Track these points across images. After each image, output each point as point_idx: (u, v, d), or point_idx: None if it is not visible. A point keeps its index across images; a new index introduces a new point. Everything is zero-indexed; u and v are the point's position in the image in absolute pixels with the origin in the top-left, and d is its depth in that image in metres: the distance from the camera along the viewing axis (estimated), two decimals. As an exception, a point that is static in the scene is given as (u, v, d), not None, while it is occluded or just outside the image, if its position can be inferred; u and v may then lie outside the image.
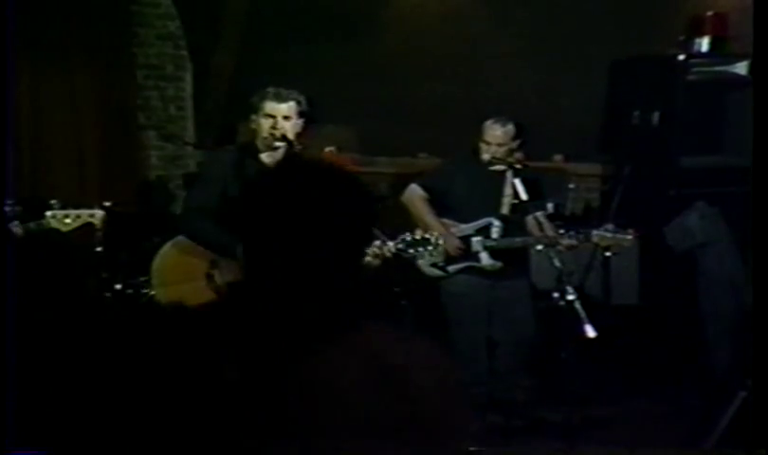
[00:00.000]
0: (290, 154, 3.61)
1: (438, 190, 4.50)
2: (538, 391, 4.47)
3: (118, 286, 4.51)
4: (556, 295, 3.71)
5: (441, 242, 3.74)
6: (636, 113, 5.40)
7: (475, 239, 4.39)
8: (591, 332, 3.47)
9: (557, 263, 3.77)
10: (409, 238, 3.63)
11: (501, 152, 4.33)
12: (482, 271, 4.40)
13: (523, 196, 4.01)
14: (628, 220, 4.30)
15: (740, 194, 3.78)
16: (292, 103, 3.65)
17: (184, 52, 6.65)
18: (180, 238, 3.66)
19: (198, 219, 3.60)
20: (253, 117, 3.69)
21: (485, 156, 4.38)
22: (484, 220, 4.41)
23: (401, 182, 4.96)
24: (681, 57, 5.29)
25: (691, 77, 5.25)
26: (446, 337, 4.36)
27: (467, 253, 4.38)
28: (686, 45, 5.43)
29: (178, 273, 3.58)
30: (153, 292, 3.64)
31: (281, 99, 3.64)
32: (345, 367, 1.33)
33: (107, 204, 4.66)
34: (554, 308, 3.71)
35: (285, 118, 3.63)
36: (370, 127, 6.25)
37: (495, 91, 5.98)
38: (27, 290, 3.07)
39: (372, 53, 6.44)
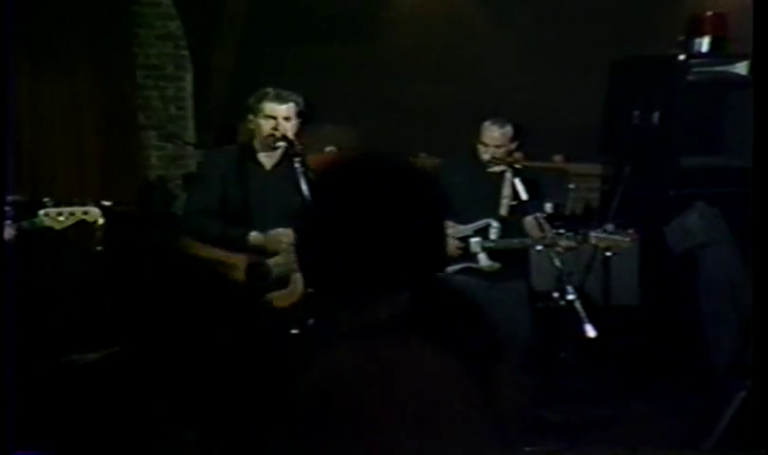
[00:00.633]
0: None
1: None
2: (537, 390, 4.47)
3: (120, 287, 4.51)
4: (556, 295, 3.71)
5: None
6: (636, 113, 5.40)
7: (473, 240, 4.39)
8: (591, 331, 3.47)
9: (557, 263, 3.77)
10: None
11: (499, 153, 4.34)
12: (480, 272, 4.40)
13: (524, 196, 4.01)
14: (628, 220, 4.30)
15: (740, 194, 3.77)
16: (292, 104, 3.68)
17: (184, 52, 6.65)
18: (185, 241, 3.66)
19: (202, 219, 3.61)
20: (251, 117, 3.71)
21: (484, 157, 4.39)
22: (482, 221, 4.40)
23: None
24: (681, 57, 5.29)
25: (691, 77, 5.25)
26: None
27: (466, 254, 4.38)
28: (686, 45, 5.43)
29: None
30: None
31: (282, 100, 3.66)
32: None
33: (107, 203, 4.68)
34: (554, 308, 3.71)
35: (286, 118, 3.65)
36: (370, 127, 6.25)
37: (495, 91, 5.97)
38: (25, 289, 3.07)
39: (372, 53, 6.44)
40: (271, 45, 6.36)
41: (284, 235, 3.59)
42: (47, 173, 5.56)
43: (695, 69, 5.27)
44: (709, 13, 5.45)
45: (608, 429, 4.28)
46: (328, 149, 6.37)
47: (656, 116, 5.29)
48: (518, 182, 4.04)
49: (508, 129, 4.39)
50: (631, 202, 4.94)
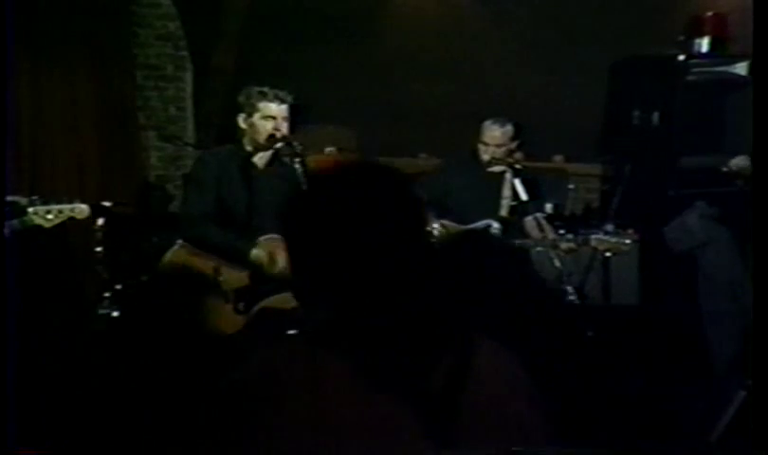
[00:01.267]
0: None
1: (437, 191, 4.50)
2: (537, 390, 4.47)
3: (119, 287, 4.51)
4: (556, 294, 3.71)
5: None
6: (636, 113, 5.41)
7: (474, 240, 4.39)
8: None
9: (557, 263, 3.77)
10: None
11: (499, 152, 4.34)
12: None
13: (524, 197, 4.01)
14: (628, 220, 4.30)
15: (740, 194, 3.78)
16: (288, 105, 3.67)
17: (184, 52, 6.65)
18: (181, 244, 3.64)
19: (205, 225, 3.59)
20: (244, 116, 3.66)
21: (485, 157, 4.38)
22: (482, 222, 4.40)
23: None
24: (681, 57, 5.29)
25: (691, 77, 5.25)
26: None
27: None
28: (686, 46, 5.43)
29: (185, 278, 3.58)
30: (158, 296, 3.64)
31: (280, 100, 3.65)
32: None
33: (107, 204, 4.68)
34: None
35: (285, 119, 3.65)
36: (370, 127, 6.25)
37: (495, 91, 5.98)
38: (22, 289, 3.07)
39: (371, 53, 6.44)
40: (271, 45, 6.36)
41: (279, 242, 3.61)
42: (47, 173, 5.56)
43: (695, 69, 5.28)
44: (709, 13, 5.46)
45: (607, 429, 4.28)
46: (328, 149, 6.37)
47: (656, 116, 5.30)
48: (518, 182, 4.04)
49: (509, 128, 4.39)
50: (631, 202, 4.94)
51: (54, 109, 5.69)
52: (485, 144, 4.38)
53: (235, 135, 3.78)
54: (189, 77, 6.72)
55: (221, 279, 3.57)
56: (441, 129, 6.03)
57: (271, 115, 3.63)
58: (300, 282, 1.40)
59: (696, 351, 4.86)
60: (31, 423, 2.90)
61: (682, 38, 5.47)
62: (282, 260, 3.64)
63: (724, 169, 4.71)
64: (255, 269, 3.58)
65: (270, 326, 3.65)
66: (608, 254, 4.26)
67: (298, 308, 3.65)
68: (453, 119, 5.76)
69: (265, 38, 6.42)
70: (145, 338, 4.20)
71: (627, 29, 5.78)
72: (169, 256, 3.63)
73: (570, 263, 4.01)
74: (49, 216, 3.44)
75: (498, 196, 4.42)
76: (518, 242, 4.31)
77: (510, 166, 4.21)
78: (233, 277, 3.58)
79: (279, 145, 3.64)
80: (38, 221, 3.42)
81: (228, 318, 3.56)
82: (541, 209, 4.51)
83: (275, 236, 3.66)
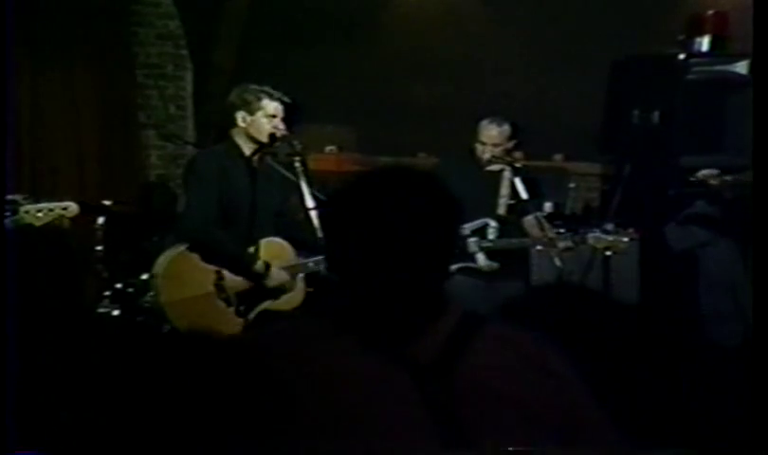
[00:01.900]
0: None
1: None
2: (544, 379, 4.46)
3: (119, 285, 4.51)
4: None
5: None
6: (636, 113, 5.40)
7: (471, 240, 4.36)
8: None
9: (557, 262, 3.77)
10: None
11: (497, 152, 4.33)
12: (478, 272, 4.38)
13: (524, 195, 4.01)
14: (628, 220, 4.30)
15: (740, 194, 3.78)
16: (284, 105, 3.68)
17: (184, 52, 6.65)
18: (183, 247, 3.63)
19: (210, 231, 3.58)
20: (243, 114, 3.65)
21: (486, 156, 4.38)
22: (480, 221, 4.38)
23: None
24: (681, 57, 5.29)
25: (691, 77, 5.25)
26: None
27: (464, 254, 4.37)
28: (686, 45, 5.43)
29: (185, 282, 3.57)
30: (156, 299, 3.62)
31: (280, 99, 3.65)
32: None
33: (107, 203, 4.69)
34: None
35: (282, 118, 3.65)
36: (370, 127, 6.25)
37: (495, 91, 5.98)
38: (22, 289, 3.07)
39: (371, 53, 6.44)
40: (271, 45, 6.36)
41: (281, 247, 3.64)
42: (47, 173, 5.56)
43: (695, 69, 5.28)
44: (709, 12, 5.45)
45: (607, 429, 4.27)
46: (328, 149, 6.38)
47: (656, 115, 5.29)
48: (518, 181, 4.04)
49: (506, 128, 4.38)
50: (631, 202, 4.94)
51: (54, 108, 5.69)
52: (483, 143, 4.37)
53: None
54: (189, 76, 6.72)
55: (223, 282, 3.57)
56: (441, 129, 6.03)
57: (273, 113, 3.63)
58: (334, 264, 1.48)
59: (696, 351, 4.86)
60: (31, 423, 2.91)
61: (682, 37, 5.47)
62: (283, 268, 3.67)
63: (692, 178, 4.78)
64: (257, 279, 3.60)
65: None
66: (608, 253, 4.26)
67: (299, 308, 3.67)
68: (453, 119, 5.76)
69: (265, 38, 6.42)
70: (146, 339, 4.21)
71: (627, 29, 5.77)
72: (169, 259, 3.61)
73: (570, 263, 4.00)
74: (39, 215, 3.45)
75: (495, 195, 4.41)
76: (517, 240, 4.31)
77: (510, 165, 4.20)
78: (236, 280, 3.59)
79: (278, 144, 3.65)
80: (29, 220, 3.43)
81: (229, 321, 3.57)
82: (540, 208, 4.50)
83: (275, 239, 3.67)
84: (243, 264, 3.58)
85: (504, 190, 4.37)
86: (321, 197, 3.54)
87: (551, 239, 4.08)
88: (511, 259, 4.38)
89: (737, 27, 5.30)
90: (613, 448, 1.61)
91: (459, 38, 6.35)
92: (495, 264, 4.36)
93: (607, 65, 5.84)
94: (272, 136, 3.63)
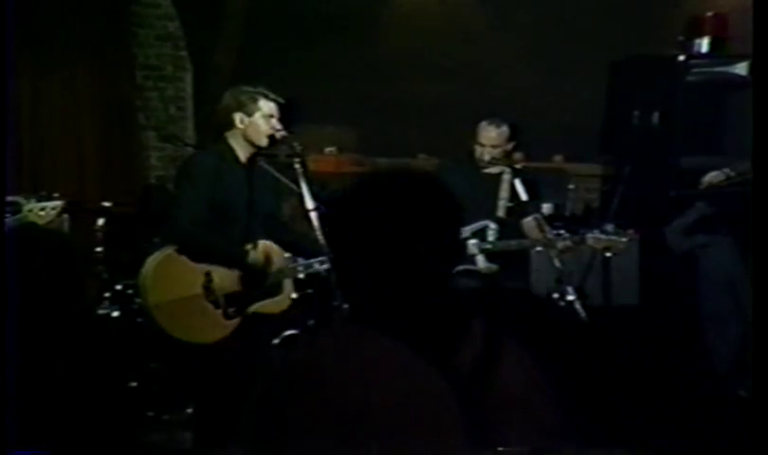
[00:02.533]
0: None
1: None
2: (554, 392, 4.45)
3: (119, 287, 4.50)
4: (556, 295, 3.70)
5: None
6: (636, 113, 5.40)
7: (471, 242, 4.35)
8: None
9: (556, 263, 3.77)
10: None
11: (496, 153, 4.33)
12: (478, 274, 4.38)
13: (524, 197, 4.01)
14: (628, 220, 4.30)
15: (740, 194, 3.78)
16: (279, 106, 3.67)
17: (184, 53, 6.65)
18: (171, 249, 3.61)
19: (200, 231, 3.56)
20: (241, 115, 3.61)
21: (486, 157, 4.38)
22: (479, 223, 4.37)
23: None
24: (681, 57, 5.29)
25: (691, 77, 5.25)
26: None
27: (463, 256, 4.36)
28: (686, 46, 5.43)
29: (173, 284, 3.54)
30: (144, 302, 3.59)
31: (275, 100, 3.64)
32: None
33: (107, 204, 4.69)
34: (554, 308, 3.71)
35: (278, 119, 3.64)
36: (370, 127, 6.25)
37: (495, 91, 5.98)
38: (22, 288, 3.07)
39: (372, 53, 6.44)
40: (271, 44, 6.36)
41: (272, 250, 3.63)
42: (47, 173, 5.56)
43: (695, 69, 5.28)
44: (709, 14, 5.46)
45: (607, 430, 4.28)
46: (328, 149, 6.38)
47: (656, 116, 5.29)
48: (518, 183, 4.03)
49: (505, 129, 4.38)
50: (631, 202, 4.94)
51: (54, 109, 5.69)
52: (482, 145, 4.37)
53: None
54: (189, 77, 6.72)
55: (212, 284, 3.55)
56: (440, 129, 6.03)
57: (270, 114, 3.62)
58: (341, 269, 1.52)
59: (696, 351, 4.86)
60: (31, 423, 2.90)
61: (682, 38, 5.47)
62: (278, 260, 3.65)
63: (700, 186, 4.80)
64: (250, 271, 3.58)
65: (259, 331, 3.67)
66: (608, 254, 4.26)
67: (288, 311, 3.67)
68: (453, 120, 5.76)
69: (265, 38, 6.42)
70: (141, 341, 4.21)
71: (627, 29, 5.78)
72: (157, 261, 3.58)
73: (570, 263, 4.00)
74: (42, 213, 3.46)
75: (495, 197, 4.41)
76: (516, 242, 4.30)
77: (509, 166, 4.20)
78: (225, 282, 3.57)
79: (278, 146, 3.65)
80: (33, 218, 3.44)
81: (217, 323, 3.55)
82: (539, 210, 4.50)
83: (268, 243, 3.66)
84: (238, 262, 3.57)
85: (504, 192, 4.37)
86: (321, 204, 3.52)
87: (550, 240, 4.07)
88: (511, 260, 4.38)
89: (736, 29, 5.31)
90: (613, 448, 1.61)
91: (459, 38, 6.36)
92: (494, 267, 4.35)
93: (607, 66, 5.84)
94: (271, 137, 3.61)
